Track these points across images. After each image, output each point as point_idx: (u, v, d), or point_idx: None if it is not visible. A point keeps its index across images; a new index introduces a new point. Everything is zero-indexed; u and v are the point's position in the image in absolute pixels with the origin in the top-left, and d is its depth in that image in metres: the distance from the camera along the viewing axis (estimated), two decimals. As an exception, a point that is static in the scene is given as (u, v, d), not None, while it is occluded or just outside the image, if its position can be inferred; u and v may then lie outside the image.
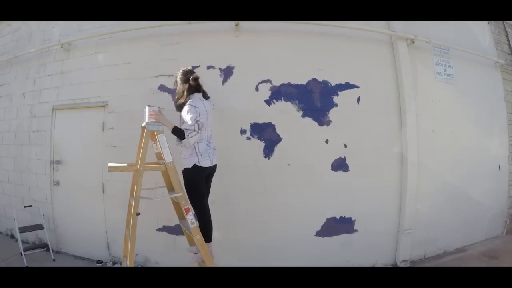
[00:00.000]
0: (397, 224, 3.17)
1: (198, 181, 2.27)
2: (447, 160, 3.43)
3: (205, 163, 2.27)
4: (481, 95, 3.85)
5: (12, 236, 3.76)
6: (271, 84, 2.95)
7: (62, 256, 3.35)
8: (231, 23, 2.91)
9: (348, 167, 3.02)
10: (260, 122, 2.92)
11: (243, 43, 2.97)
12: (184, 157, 2.28)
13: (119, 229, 2.79)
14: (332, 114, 3.01)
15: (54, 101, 3.44)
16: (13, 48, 3.93)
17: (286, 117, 2.94)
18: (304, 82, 2.99)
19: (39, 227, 3.33)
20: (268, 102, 2.94)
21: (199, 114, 2.18)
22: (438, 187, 3.39)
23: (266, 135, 2.92)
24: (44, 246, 3.33)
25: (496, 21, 4.26)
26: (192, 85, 2.27)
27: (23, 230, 3.24)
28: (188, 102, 2.21)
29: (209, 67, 2.95)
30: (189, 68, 2.49)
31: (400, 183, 3.14)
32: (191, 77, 2.27)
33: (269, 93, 2.94)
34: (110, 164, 2.15)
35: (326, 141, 2.99)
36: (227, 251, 2.86)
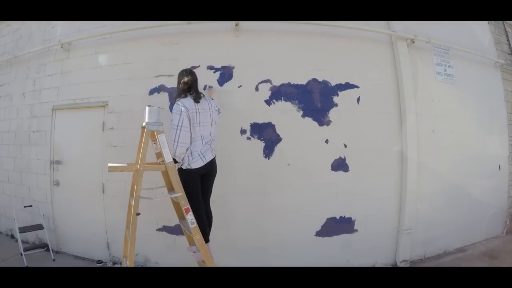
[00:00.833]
0: (397, 224, 3.17)
1: (189, 183, 2.28)
2: (447, 160, 3.43)
3: (196, 164, 2.27)
4: (481, 95, 3.85)
5: (12, 236, 3.76)
6: (271, 84, 2.95)
7: (62, 256, 3.35)
8: (231, 23, 2.91)
9: (348, 167, 3.02)
10: (260, 122, 2.92)
11: (243, 43, 2.97)
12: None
13: (119, 229, 2.79)
14: (332, 114, 3.01)
15: (54, 101, 3.44)
16: (13, 48, 3.93)
17: (286, 117, 2.94)
18: (304, 82, 2.99)
19: (39, 227, 3.33)
20: (268, 102, 2.94)
21: (184, 112, 2.20)
22: (438, 187, 3.39)
23: (266, 135, 2.92)
24: (44, 246, 3.33)
25: (496, 21, 4.27)
26: (181, 87, 2.33)
27: (23, 230, 3.24)
28: (176, 102, 2.29)
29: (209, 67, 2.95)
30: (188, 68, 2.50)
31: (400, 183, 3.15)
32: (182, 80, 2.33)
33: (269, 93, 2.94)
34: (110, 164, 2.15)
35: (326, 141, 2.99)
36: (227, 251, 2.86)
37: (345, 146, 3.02)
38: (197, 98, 2.31)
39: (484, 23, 4.13)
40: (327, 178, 2.99)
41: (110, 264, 3.15)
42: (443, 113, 3.45)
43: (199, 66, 2.94)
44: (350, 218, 3.05)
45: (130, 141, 2.79)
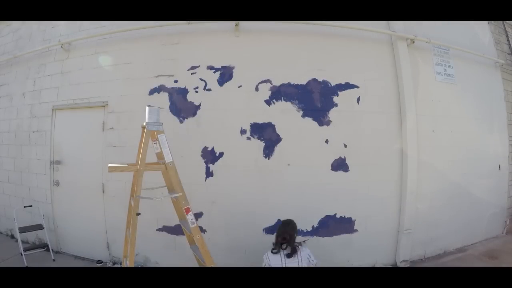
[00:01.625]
0: (397, 224, 3.17)
1: None
2: (447, 160, 3.43)
3: None
4: (481, 95, 3.85)
5: (12, 236, 3.76)
6: (271, 84, 2.95)
7: (62, 256, 3.35)
8: (231, 23, 2.91)
9: (348, 167, 3.02)
10: (260, 122, 2.92)
11: (243, 43, 2.97)
12: None
13: (119, 229, 2.79)
14: (332, 114, 3.01)
15: (54, 101, 3.44)
16: (13, 48, 3.93)
17: (286, 117, 2.94)
18: (304, 82, 2.99)
19: (39, 227, 3.33)
20: (268, 102, 2.94)
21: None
22: (438, 187, 3.39)
23: (266, 135, 2.92)
24: (44, 246, 3.33)
25: (496, 21, 4.27)
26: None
27: (23, 230, 3.24)
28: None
29: (209, 67, 2.95)
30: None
31: (400, 183, 3.14)
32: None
33: (269, 93, 2.94)
34: (110, 164, 2.15)
35: (326, 141, 2.99)
36: (227, 251, 2.86)
37: (345, 146, 3.02)
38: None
39: (484, 23, 4.13)
40: (327, 178, 2.99)
41: (110, 264, 3.15)
42: (443, 113, 3.45)
43: (199, 66, 2.95)
44: (350, 218, 3.05)
45: (130, 141, 2.80)
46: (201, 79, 2.95)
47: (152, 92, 3.01)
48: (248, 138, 2.91)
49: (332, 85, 3.04)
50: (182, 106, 2.96)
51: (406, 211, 3.10)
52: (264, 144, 2.92)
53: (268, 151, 2.92)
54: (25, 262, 3.04)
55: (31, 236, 3.56)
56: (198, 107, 2.94)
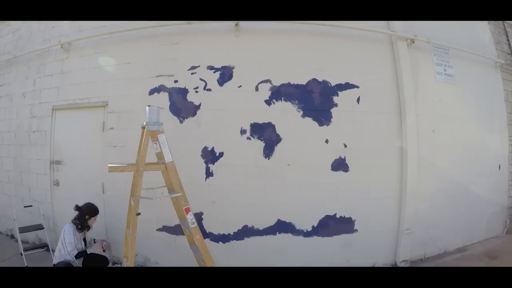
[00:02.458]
0: (397, 224, 3.17)
1: None
2: (447, 160, 3.43)
3: None
4: (481, 95, 3.85)
5: (12, 236, 3.76)
6: (271, 84, 2.95)
7: (62, 256, 3.35)
8: (231, 23, 2.91)
9: (348, 167, 3.02)
10: (260, 122, 2.92)
11: (243, 43, 2.97)
12: None
13: (119, 229, 2.79)
14: (332, 114, 3.01)
15: (54, 101, 3.44)
16: (13, 48, 3.93)
17: (286, 117, 2.94)
18: (304, 82, 2.99)
19: (39, 227, 3.33)
20: (268, 102, 2.94)
21: None
22: (438, 187, 3.39)
23: (266, 135, 2.92)
24: (44, 246, 3.33)
25: (496, 21, 4.27)
26: None
27: (23, 230, 3.24)
28: None
29: (209, 67, 2.95)
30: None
31: (400, 183, 3.14)
32: None
33: (269, 93, 2.94)
34: (110, 164, 2.15)
35: (326, 141, 2.99)
36: (227, 251, 2.86)
37: (345, 146, 3.02)
38: None
39: (484, 23, 4.13)
40: (327, 178, 2.98)
41: (110, 264, 3.14)
42: (443, 113, 3.45)
43: (199, 66, 2.94)
44: (350, 218, 3.05)
45: (130, 141, 2.79)
46: (201, 79, 2.95)
47: (152, 92, 3.01)
48: (248, 138, 2.91)
49: (332, 85, 3.04)
50: (182, 106, 2.96)
51: (406, 211, 3.10)
52: (264, 144, 2.92)
53: (268, 151, 2.92)
54: (25, 262, 3.04)
55: (31, 236, 3.56)
56: (198, 107, 2.94)
